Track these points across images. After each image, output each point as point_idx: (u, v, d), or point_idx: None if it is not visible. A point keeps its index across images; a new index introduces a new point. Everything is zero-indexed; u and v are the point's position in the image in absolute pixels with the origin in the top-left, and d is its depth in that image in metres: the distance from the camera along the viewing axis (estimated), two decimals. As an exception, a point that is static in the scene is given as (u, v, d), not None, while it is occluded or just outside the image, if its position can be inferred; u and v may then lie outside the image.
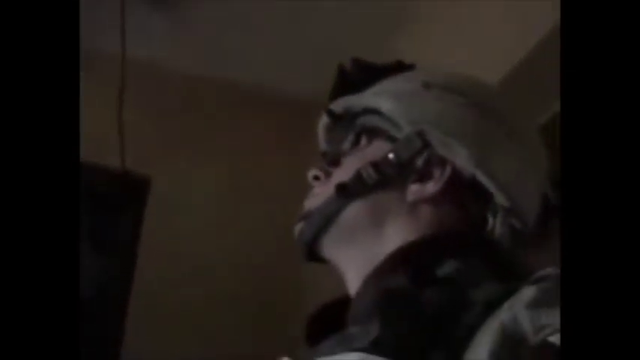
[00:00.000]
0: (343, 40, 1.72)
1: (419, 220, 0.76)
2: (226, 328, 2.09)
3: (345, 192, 0.77)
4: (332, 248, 0.79)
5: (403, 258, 0.73)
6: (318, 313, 0.81)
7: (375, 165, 0.77)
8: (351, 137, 0.82)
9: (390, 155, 0.76)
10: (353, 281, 0.77)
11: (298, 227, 0.80)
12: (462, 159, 0.75)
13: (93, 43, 1.72)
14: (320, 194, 0.81)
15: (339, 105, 0.83)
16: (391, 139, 0.78)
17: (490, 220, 0.76)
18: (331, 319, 0.76)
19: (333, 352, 0.64)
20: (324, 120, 0.85)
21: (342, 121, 0.83)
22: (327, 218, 0.78)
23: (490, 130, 0.77)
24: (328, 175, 0.82)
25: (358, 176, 0.77)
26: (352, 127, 0.82)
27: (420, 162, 0.76)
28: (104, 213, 1.93)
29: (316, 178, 0.82)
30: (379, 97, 0.79)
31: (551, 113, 1.24)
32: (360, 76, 0.87)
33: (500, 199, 0.75)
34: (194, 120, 2.28)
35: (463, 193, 0.76)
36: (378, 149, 0.78)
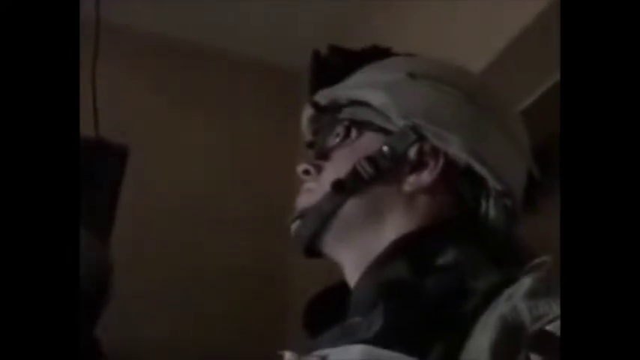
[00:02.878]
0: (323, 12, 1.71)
1: (415, 211, 0.79)
2: (212, 302, 2.14)
3: (342, 188, 0.80)
4: (331, 245, 0.82)
5: (402, 248, 0.76)
6: (315, 300, 0.84)
7: (370, 159, 0.79)
8: (340, 130, 0.84)
9: (385, 148, 0.80)
10: (352, 273, 0.80)
11: (294, 226, 0.83)
12: (455, 148, 0.78)
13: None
14: (314, 191, 0.83)
15: (323, 96, 0.85)
16: (383, 131, 0.81)
17: (483, 204, 0.80)
18: (329, 306, 0.80)
19: (335, 344, 0.66)
20: (308, 111, 0.88)
21: (327, 112, 0.86)
22: (324, 216, 0.80)
23: (477, 117, 0.81)
24: (319, 169, 0.84)
25: (354, 172, 0.80)
26: (339, 119, 0.84)
27: (413, 153, 0.79)
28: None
29: (306, 172, 0.85)
30: (367, 90, 0.82)
31: (536, 96, 1.28)
32: (337, 62, 0.91)
33: (493, 182, 0.79)
34: (172, 85, 2.29)
35: (456, 180, 0.80)
36: (370, 142, 0.81)
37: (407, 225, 0.78)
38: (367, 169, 0.79)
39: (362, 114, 0.82)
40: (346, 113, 0.84)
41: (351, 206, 0.80)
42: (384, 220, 0.79)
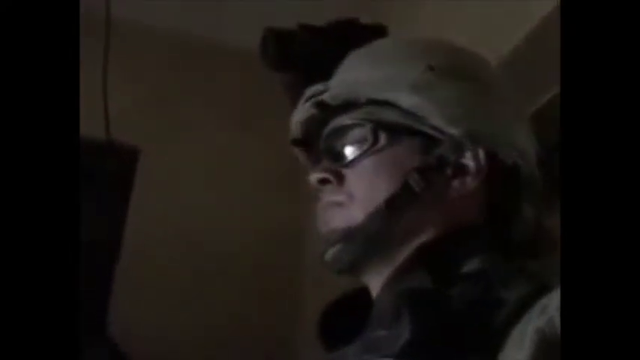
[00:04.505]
0: (335, 8, 1.71)
1: (441, 216, 0.77)
2: (216, 303, 2.16)
3: (396, 205, 0.76)
4: (372, 265, 0.78)
5: (426, 255, 0.74)
6: (330, 309, 0.83)
7: (421, 171, 0.77)
8: (366, 134, 0.79)
9: (435, 158, 0.77)
10: (375, 283, 0.78)
11: (334, 250, 0.78)
12: (506, 150, 0.77)
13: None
14: (346, 206, 0.78)
15: (334, 96, 0.81)
16: (420, 135, 0.77)
17: (522, 204, 0.79)
18: (345, 316, 0.79)
19: (360, 359, 0.65)
20: (307, 110, 0.84)
21: (335, 113, 0.82)
22: (373, 237, 0.76)
23: (508, 112, 0.80)
24: (340, 178, 0.80)
25: (406, 186, 0.76)
26: (358, 121, 0.80)
27: (464, 160, 0.77)
28: (88, 188, 1.94)
29: (325, 181, 0.81)
30: (390, 89, 0.78)
31: (548, 97, 1.28)
32: (306, 40, 0.90)
33: (530, 179, 0.78)
34: (182, 85, 2.30)
35: (497, 182, 0.78)
36: (409, 150, 0.78)
37: (430, 230, 0.76)
38: (420, 182, 0.76)
39: (389, 116, 0.79)
40: (365, 114, 0.80)
41: (403, 221, 0.77)
42: (422, 230, 0.77)
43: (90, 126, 1.79)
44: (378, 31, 0.97)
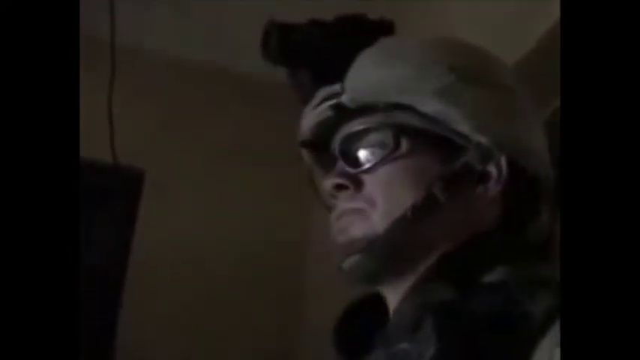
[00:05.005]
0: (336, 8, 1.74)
1: (463, 224, 0.76)
2: (221, 324, 2.19)
3: (420, 214, 0.74)
4: (391, 275, 0.76)
5: (447, 265, 0.72)
6: (346, 317, 0.80)
7: (446, 179, 0.75)
8: (386, 139, 0.77)
9: (461, 166, 0.75)
10: (393, 292, 0.76)
11: (353, 260, 0.75)
12: (527, 156, 0.76)
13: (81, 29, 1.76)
14: (367, 213, 0.76)
15: (353, 99, 0.79)
16: (447, 143, 0.75)
17: (541, 210, 0.78)
18: (362, 324, 0.77)
19: None
20: (323, 112, 0.81)
21: (352, 116, 0.79)
22: (397, 246, 0.74)
23: (529, 117, 0.79)
24: (358, 184, 0.77)
25: (430, 195, 0.74)
26: (378, 125, 0.77)
27: (490, 168, 0.76)
28: (94, 210, 1.97)
29: (341, 187, 0.78)
30: (412, 93, 0.76)
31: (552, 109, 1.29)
32: (313, 35, 0.87)
33: (549, 186, 0.77)
34: (186, 109, 2.34)
35: (511, 188, 0.76)
36: (431, 157, 0.76)
37: (453, 240, 0.74)
38: (444, 191, 0.74)
39: (410, 120, 0.76)
40: (385, 118, 0.77)
41: (425, 231, 0.74)
42: (443, 239, 0.75)
43: (96, 150, 1.84)
44: (385, 28, 0.94)
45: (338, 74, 0.81)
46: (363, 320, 0.79)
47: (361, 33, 0.87)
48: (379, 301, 0.78)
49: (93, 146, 1.86)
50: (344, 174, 0.78)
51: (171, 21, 2.19)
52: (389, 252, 0.74)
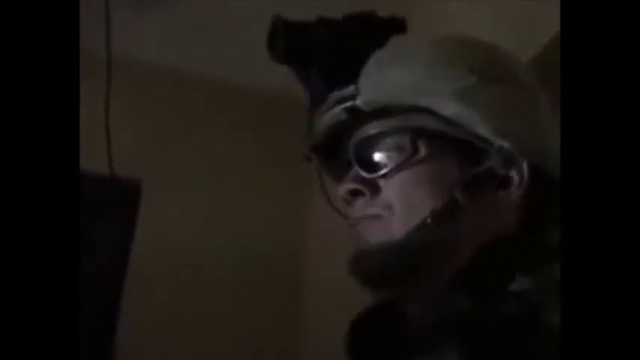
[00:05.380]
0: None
1: (483, 230, 0.74)
2: (221, 337, 2.20)
3: (442, 220, 0.72)
4: (410, 282, 0.74)
5: (468, 273, 0.70)
6: (358, 327, 0.78)
7: (467, 184, 0.73)
8: (404, 143, 0.75)
9: (482, 171, 0.73)
10: (411, 300, 0.74)
11: (369, 268, 0.74)
12: (547, 159, 0.74)
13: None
14: (385, 219, 0.74)
15: (368, 102, 0.76)
16: (467, 146, 0.73)
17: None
18: (375, 334, 0.74)
19: None
20: (337, 115, 0.79)
21: (367, 119, 0.77)
22: (416, 252, 0.73)
23: (547, 118, 0.77)
24: (375, 189, 0.76)
25: (452, 200, 0.72)
26: (394, 128, 0.75)
27: (513, 172, 0.74)
28: (92, 221, 1.97)
29: (356, 193, 0.76)
30: (432, 95, 0.74)
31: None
32: (324, 34, 0.83)
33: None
34: (183, 120, 2.35)
35: (531, 192, 0.75)
36: (454, 162, 0.74)
37: (473, 246, 0.72)
38: (466, 196, 0.73)
39: (428, 124, 0.74)
40: (402, 121, 0.75)
41: (445, 237, 0.73)
42: (463, 245, 0.73)
43: (94, 161, 1.85)
44: (397, 26, 0.90)
45: (348, 75, 0.79)
46: (377, 330, 0.76)
47: (372, 31, 0.84)
48: (393, 310, 0.77)
49: (89, 157, 1.88)
50: (359, 179, 0.76)
51: (167, 31, 2.20)
52: (408, 259, 0.73)
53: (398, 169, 0.75)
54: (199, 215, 2.31)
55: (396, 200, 0.74)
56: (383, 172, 0.75)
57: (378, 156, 0.77)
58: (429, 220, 0.72)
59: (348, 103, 0.78)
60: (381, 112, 0.76)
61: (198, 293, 2.22)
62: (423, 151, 0.75)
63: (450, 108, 0.73)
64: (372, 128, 0.77)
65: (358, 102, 0.77)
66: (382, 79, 0.77)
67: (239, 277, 2.28)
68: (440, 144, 0.75)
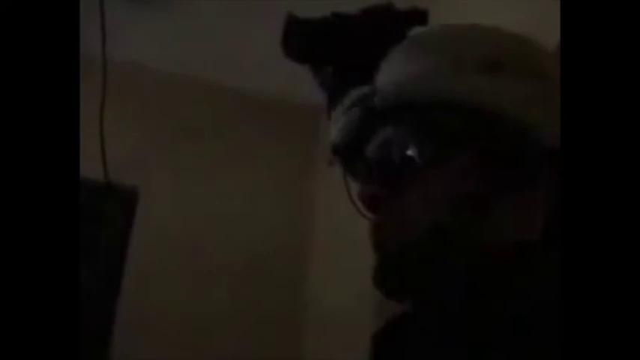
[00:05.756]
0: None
1: (510, 233, 0.71)
2: (221, 343, 2.17)
3: (466, 223, 0.70)
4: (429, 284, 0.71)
5: (491, 279, 0.67)
6: (378, 336, 0.74)
7: (494, 185, 0.70)
8: (424, 143, 0.72)
9: (509, 171, 0.70)
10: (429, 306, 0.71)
11: (390, 271, 0.72)
12: None
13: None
14: (407, 225, 0.72)
15: (387, 100, 0.73)
16: (495, 145, 0.70)
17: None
18: (394, 342, 0.71)
19: None
20: (355, 116, 0.76)
21: (386, 117, 0.74)
22: (438, 257, 0.70)
23: None
24: (397, 193, 0.73)
25: (477, 202, 0.70)
26: (418, 126, 0.72)
27: (542, 170, 0.72)
28: (87, 229, 1.96)
29: (378, 196, 0.74)
30: (456, 91, 0.71)
31: None
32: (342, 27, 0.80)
33: None
34: (180, 125, 2.34)
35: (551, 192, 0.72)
36: (480, 162, 0.71)
37: (497, 251, 0.70)
38: (492, 198, 0.70)
39: (453, 122, 0.71)
40: (424, 120, 0.72)
41: (469, 239, 0.70)
42: (487, 250, 0.70)
43: (89, 168, 1.83)
44: (417, 18, 0.85)
45: (367, 72, 0.76)
46: (399, 341, 0.72)
47: (390, 25, 0.80)
48: (415, 320, 0.73)
49: (83, 162, 1.86)
50: (382, 183, 0.74)
51: (163, 36, 2.19)
52: (429, 263, 0.70)
53: (421, 170, 0.72)
54: (199, 219, 2.30)
55: (420, 203, 0.72)
56: (405, 174, 0.73)
57: (400, 158, 0.74)
58: (453, 224, 0.70)
59: (367, 103, 0.75)
60: (402, 111, 0.73)
61: (199, 297, 2.21)
62: (447, 150, 0.72)
63: (475, 103, 0.70)
64: (392, 129, 0.74)
65: (377, 101, 0.74)
66: (400, 76, 0.74)
67: (240, 280, 2.27)
68: (464, 142, 0.71)
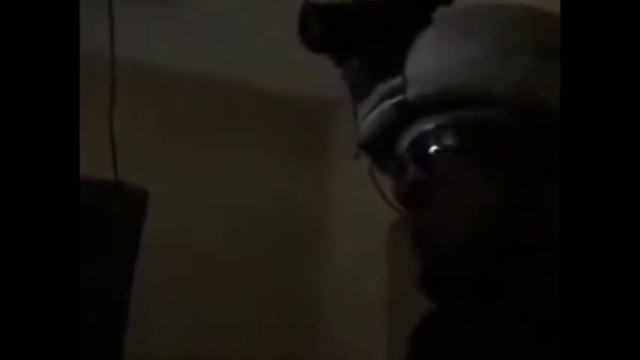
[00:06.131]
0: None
1: (548, 229, 0.67)
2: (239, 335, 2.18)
3: (506, 221, 0.68)
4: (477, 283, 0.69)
5: (533, 274, 0.65)
6: (416, 332, 0.74)
7: (532, 180, 0.67)
8: (460, 137, 0.69)
9: (547, 166, 0.66)
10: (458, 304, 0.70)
11: (436, 273, 0.70)
12: None
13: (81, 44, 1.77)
14: (448, 223, 0.69)
15: (419, 95, 0.69)
16: (534, 139, 0.67)
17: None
18: (435, 343, 0.70)
19: None
20: (385, 111, 0.72)
21: (417, 110, 0.70)
22: (482, 256, 0.68)
23: None
24: (433, 189, 0.70)
25: (518, 198, 0.67)
26: (447, 122, 0.69)
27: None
28: (97, 231, 1.96)
29: (414, 193, 0.71)
30: (492, 82, 0.67)
31: None
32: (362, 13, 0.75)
33: None
34: (191, 125, 2.35)
35: None
36: (517, 157, 0.68)
37: (539, 247, 0.67)
38: (531, 194, 0.67)
39: (490, 114, 0.67)
40: (459, 113, 0.69)
41: (510, 236, 0.68)
42: (529, 247, 0.68)
43: (98, 169, 1.83)
44: None
45: (393, 61, 0.72)
46: (437, 336, 0.71)
47: (414, 9, 0.74)
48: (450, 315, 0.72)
49: (94, 163, 1.87)
50: (417, 180, 0.71)
51: (172, 34, 2.19)
52: (471, 263, 0.68)
53: (457, 166, 0.69)
54: (210, 217, 2.30)
55: (458, 201, 0.69)
56: (441, 170, 0.69)
57: (434, 153, 0.70)
58: (494, 221, 0.67)
59: (398, 98, 0.71)
60: (434, 103, 0.69)
61: (212, 293, 2.21)
62: (483, 144, 0.68)
63: (512, 95, 0.66)
64: (425, 123, 0.70)
65: (409, 96, 0.70)
66: (431, 65, 0.70)
67: (254, 295, 2.27)
68: (502, 136, 0.68)
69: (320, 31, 0.75)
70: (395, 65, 0.71)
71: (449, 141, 0.69)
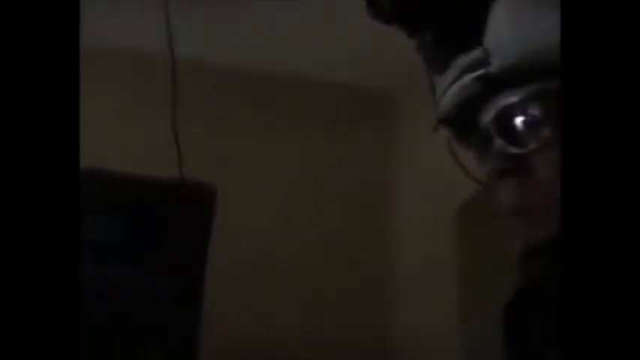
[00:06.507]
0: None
1: None
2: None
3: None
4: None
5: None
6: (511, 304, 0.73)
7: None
8: (549, 109, 0.66)
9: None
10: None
11: (539, 267, 0.68)
12: None
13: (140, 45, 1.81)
14: (546, 211, 0.66)
15: (505, 68, 0.67)
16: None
17: None
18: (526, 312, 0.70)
19: None
20: (468, 85, 0.70)
21: (502, 83, 0.69)
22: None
23: None
24: (526, 167, 0.68)
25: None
26: (536, 93, 0.67)
27: None
28: (165, 232, 1.98)
29: (506, 172, 0.69)
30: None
31: None
32: None
33: None
34: (253, 119, 2.36)
35: None
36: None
37: None
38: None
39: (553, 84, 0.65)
40: (547, 84, 0.66)
41: None
42: None
43: (163, 167, 1.86)
44: None
45: (468, 33, 0.70)
46: (529, 311, 0.71)
47: None
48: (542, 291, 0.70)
49: (159, 161, 1.90)
50: (507, 156, 0.69)
51: (233, 31, 2.20)
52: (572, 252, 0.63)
53: (551, 141, 0.66)
54: (277, 219, 2.31)
55: (554, 181, 0.64)
56: (532, 146, 0.67)
57: (523, 127, 0.68)
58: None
59: (480, 71, 0.69)
60: (520, 74, 0.67)
61: (280, 298, 2.21)
62: (540, 113, 0.66)
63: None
64: (511, 96, 0.68)
65: (492, 69, 0.68)
66: (513, 35, 0.68)
67: (323, 292, 2.26)
68: (549, 104, 0.66)
69: (389, 4, 0.73)
70: (471, 37, 0.70)
71: (535, 112, 0.67)
